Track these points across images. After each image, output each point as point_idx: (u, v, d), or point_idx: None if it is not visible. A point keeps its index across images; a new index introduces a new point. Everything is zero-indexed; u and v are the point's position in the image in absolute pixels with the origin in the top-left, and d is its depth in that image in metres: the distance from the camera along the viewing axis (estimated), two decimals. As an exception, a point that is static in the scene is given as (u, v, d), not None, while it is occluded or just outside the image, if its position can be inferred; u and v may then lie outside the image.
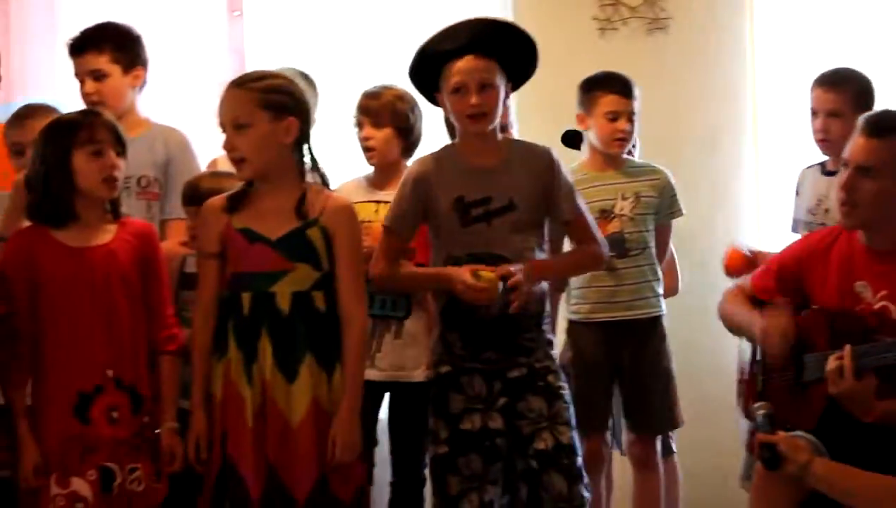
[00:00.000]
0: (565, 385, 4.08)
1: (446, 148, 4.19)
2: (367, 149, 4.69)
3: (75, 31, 4.71)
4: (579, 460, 4.02)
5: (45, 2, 5.50)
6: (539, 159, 4.11)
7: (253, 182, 3.87)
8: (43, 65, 5.30)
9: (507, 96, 4.10)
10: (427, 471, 4.33)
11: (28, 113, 4.43)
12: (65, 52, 4.71)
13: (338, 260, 3.84)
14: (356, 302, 3.84)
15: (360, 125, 4.68)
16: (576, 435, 4.05)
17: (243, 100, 3.81)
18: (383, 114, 4.63)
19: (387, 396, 4.64)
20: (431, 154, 4.17)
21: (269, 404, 3.77)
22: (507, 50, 4.04)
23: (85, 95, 4.62)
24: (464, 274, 3.93)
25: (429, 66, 4.05)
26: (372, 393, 4.30)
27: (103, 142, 3.85)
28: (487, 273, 3.90)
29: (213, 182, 4.26)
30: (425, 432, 4.14)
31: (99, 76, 4.62)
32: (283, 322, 3.79)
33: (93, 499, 3.77)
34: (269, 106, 3.80)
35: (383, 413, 4.65)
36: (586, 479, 4.01)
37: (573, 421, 4.05)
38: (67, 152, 3.84)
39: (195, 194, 4.23)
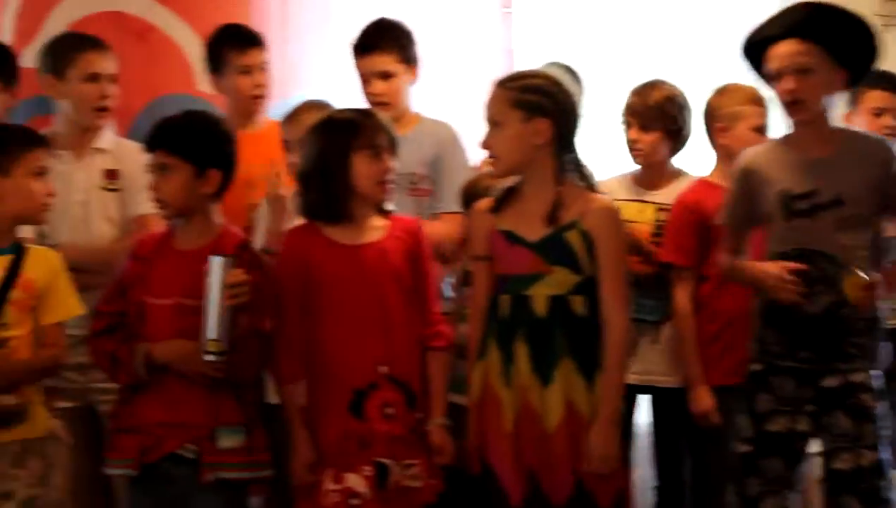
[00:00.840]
0: (877, 404, 3.96)
1: (780, 138, 4.13)
2: (633, 150, 4.67)
3: (349, 28, 4.83)
4: (885, 485, 3.91)
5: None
6: (874, 151, 4.01)
7: (514, 185, 3.88)
8: (317, 61, 5.39)
9: (842, 87, 4.01)
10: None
11: (301, 110, 4.52)
12: (337, 47, 4.81)
13: (599, 263, 3.80)
14: (617, 308, 3.80)
15: (627, 125, 4.66)
16: (887, 458, 3.93)
17: (500, 99, 3.83)
18: (652, 117, 4.60)
19: (645, 398, 4.61)
20: (763, 144, 4.12)
21: (525, 408, 3.77)
22: (839, 37, 3.94)
23: (371, 95, 4.70)
24: (773, 268, 3.88)
25: (755, 53, 3.99)
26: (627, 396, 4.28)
27: (381, 147, 3.91)
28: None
29: (492, 182, 4.29)
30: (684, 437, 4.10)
31: (386, 76, 4.70)
32: (539, 325, 3.79)
33: (368, 494, 3.82)
34: (522, 105, 3.79)
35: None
36: None
37: (883, 443, 3.93)
38: (347, 153, 3.90)
39: (474, 195, 4.25)
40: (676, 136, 4.62)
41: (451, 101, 5.29)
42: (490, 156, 3.91)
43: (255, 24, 5.20)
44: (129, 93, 4.83)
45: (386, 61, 4.69)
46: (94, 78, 4.58)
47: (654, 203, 4.64)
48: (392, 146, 3.94)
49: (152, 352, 3.81)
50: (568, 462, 3.74)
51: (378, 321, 3.89)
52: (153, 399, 3.84)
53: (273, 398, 4.14)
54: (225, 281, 3.74)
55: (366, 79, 4.73)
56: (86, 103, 4.59)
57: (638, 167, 4.71)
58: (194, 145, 3.92)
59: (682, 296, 4.52)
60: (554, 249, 3.79)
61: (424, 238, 4.04)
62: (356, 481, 3.83)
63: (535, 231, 3.80)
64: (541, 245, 3.79)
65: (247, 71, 4.86)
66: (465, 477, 3.92)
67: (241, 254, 3.86)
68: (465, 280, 4.21)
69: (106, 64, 4.61)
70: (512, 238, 3.82)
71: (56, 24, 5.14)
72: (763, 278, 3.97)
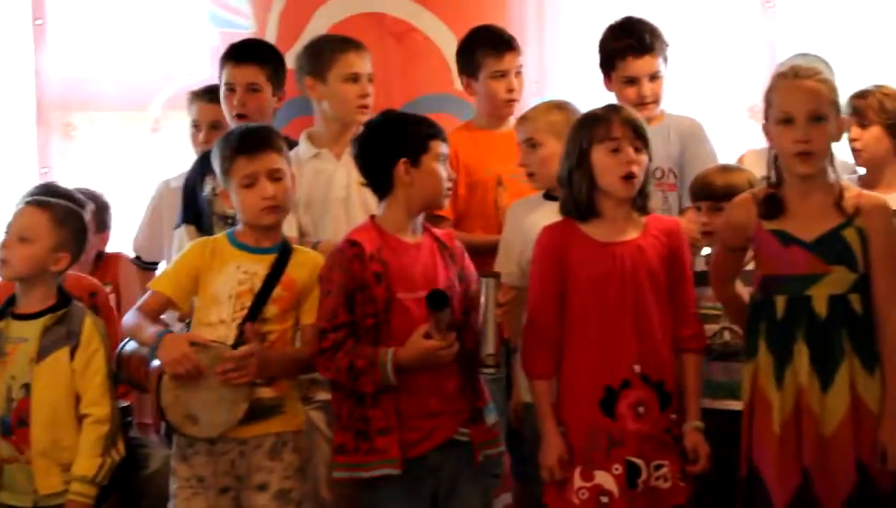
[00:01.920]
0: None
1: None
2: (854, 150, 4.58)
3: (603, 28, 4.85)
4: None
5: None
6: None
7: (780, 182, 3.82)
8: (571, 61, 5.40)
9: None
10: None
11: (535, 110, 4.53)
12: (590, 48, 4.84)
13: (873, 260, 3.75)
14: (892, 304, 3.74)
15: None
16: None
17: (822, 93, 3.78)
18: (869, 113, 4.53)
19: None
20: None
21: (804, 410, 3.72)
22: None
23: (641, 98, 4.74)
24: None
25: None
26: None
27: (621, 139, 3.88)
28: None
29: (725, 177, 4.26)
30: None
31: (654, 78, 4.76)
32: (820, 326, 3.74)
33: (618, 493, 3.81)
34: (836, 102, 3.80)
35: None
36: None
37: None
38: (587, 147, 3.90)
39: (706, 189, 4.24)
40: None
41: (712, 96, 5.22)
42: (806, 152, 3.79)
43: (512, 25, 5.24)
44: (388, 93, 4.92)
45: (655, 63, 4.75)
46: (355, 78, 4.69)
47: None
48: (637, 139, 3.90)
49: (400, 357, 3.85)
50: (849, 465, 3.70)
51: (632, 319, 3.87)
52: (409, 394, 3.88)
53: (525, 396, 4.17)
54: (495, 300, 3.89)
55: (634, 80, 4.76)
56: (347, 102, 4.70)
57: (863, 171, 4.64)
58: None
59: None
60: (833, 248, 3.75)
61: (684, 239, 4.00)
62: (606, 479, 3.82)
63: (809, 231, 3.76)
64: (818, 244, 3.75)
65: (501, 75, 4.90)
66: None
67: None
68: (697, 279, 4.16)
69: (364, 63, 4.71)
70: (785, 238, 3.77)
71: (319, 26, 5.26)
72: None
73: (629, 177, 3.87)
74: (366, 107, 4.70)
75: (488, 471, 4.07)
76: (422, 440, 3.89)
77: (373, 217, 4.03)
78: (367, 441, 3.88)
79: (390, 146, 3.96)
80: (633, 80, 4.76)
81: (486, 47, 4.91)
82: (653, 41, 4.74)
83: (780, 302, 3.77)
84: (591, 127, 3.91)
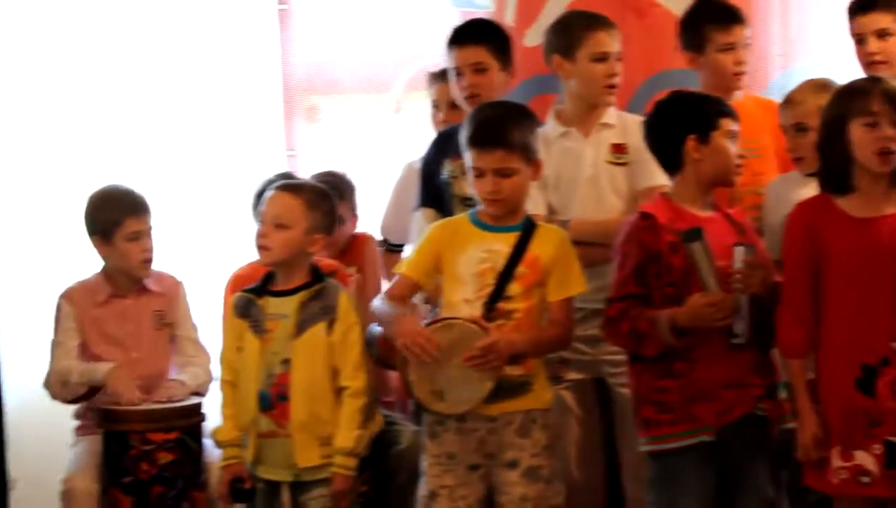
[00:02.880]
0: None
1: None
2: None
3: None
4: None
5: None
6: None
7: None
8: (819, 31, 5.31)
9: None
10: None
11: (798, 91, 4.50)
12: (838, 17, 4.77)
13: None
14: None
15: None
16: None
17: None
18: None
19: None
20: None
21: None
22: None
23: (866, 55, 4.71)
24: None
25: None
26: None
27: (878, 114, 3.83)
28: None
29: None
30: None
31: (884, 35, 4.71)
32: None
33: (877, 473, 3.78)
34: None
35: None
36: None
37: None
38: (843, 121, 3.86)
39: None
40: None
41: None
42: None
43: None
44: (629, 68, 4.90)
45: (883, 19, 4.68)
46: (604, 57, 4.69)
47: None
48: None
49: (677, 319, 3.90)
50: None
51: (890, 295, 3.82)
52: (704, 364, 3.94)
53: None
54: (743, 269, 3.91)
55: (863, 39, 4.72)
56: (595, 82, 4.70)
57: None
58: None
59: None
60: None
61: None
62: (866, 459, 3.78)
63: None
64: None
65: (729, 48, 4.86)
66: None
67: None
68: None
69: (613, 42, 4.72)
70: None
71: (559, 3, 5.26)
72: None
73: (885, 152, 3.81)
74: (613, 86, 4.71)
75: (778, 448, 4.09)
76: (724, 411, 3.95)
77: (664, 193, 4.11)
78: (669, 412, 3.96)
79: (680, 123, 4.07)
80: (860, 38, 4.72)
81: (712, 20, 4.87)
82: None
83: None
84: (849, 100, 3.88)
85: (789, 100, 4.50)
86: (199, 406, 4.64)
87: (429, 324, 4.05)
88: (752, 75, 4.98)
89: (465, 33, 4.84)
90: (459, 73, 4.77)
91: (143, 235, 4.84)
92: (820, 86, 4.42)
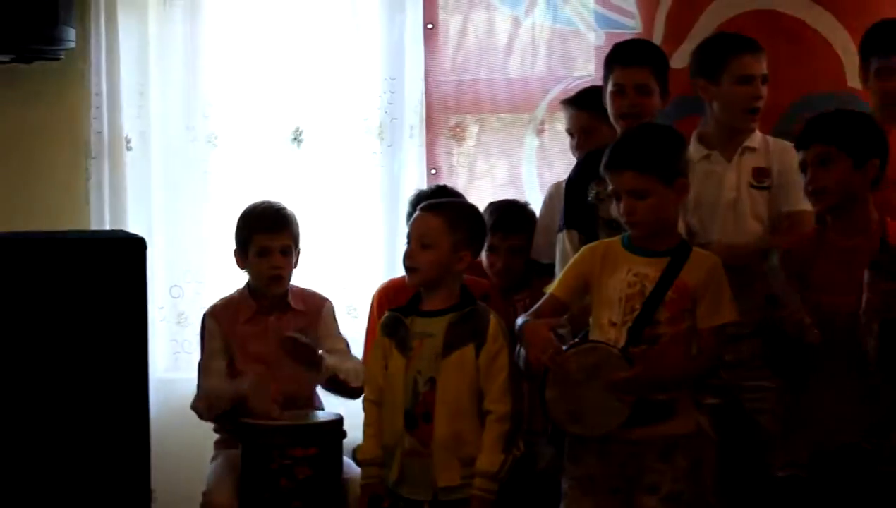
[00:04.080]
0: None
1: None
2: None
3: None
4: None
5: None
6: None
7: None
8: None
9: None
10: None
11: None
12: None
13: None
14: None
15: None
16: None
17: None
18: None
19: None
20: None
21: None
22: None
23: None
24: None
25: None
26: None
27: None
28: None
29: None
30: None
31: None
32: None
33: None
34: None
35: None
36: None
37: None
38: None
39: None
40: None
41: None
42: None
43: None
44: (776, 91, 4.91)
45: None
46: (748, 80, 4.71)
47: None
48: None
49: None
50: None
51: None
52: None
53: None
54: None
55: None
56: (737, 105, 4.73)
57: None
58: (853, 137, 4.03)
59: None
60: None
61: None
62: None
63: None
64: None
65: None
66: None
67: None
68: None
69: (759, 65, 4.73)
70: None
71: (707, 25, 5.30)
72: None
73: None
74: (755, 110, 4.73)
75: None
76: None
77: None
78: None
79: None
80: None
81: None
82: None
83: None
84: None
85: None
86: (339, 422, 4.71)
87: (572, 345, 4.10)
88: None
89: (632, 53, 4.89)
90: (622, 91, 4.79)
91: (272, 251, 4.90)
92: None
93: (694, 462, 4.14)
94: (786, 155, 4.45)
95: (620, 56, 4.87)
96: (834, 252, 4.07)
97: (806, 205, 4.33)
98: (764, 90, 4.75)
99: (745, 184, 4.67)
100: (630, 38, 5.26)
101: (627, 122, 4.69)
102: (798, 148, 4.17)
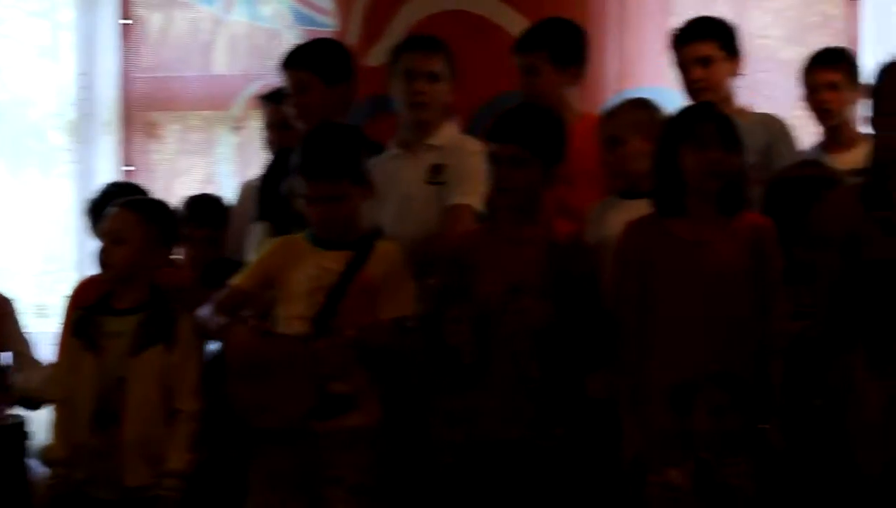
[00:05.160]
0: None
1: None
2: None
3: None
4: None
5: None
6: None
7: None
8: (654, 55, 5.49)
9: None
10: None
11: (620, 108, 4.64)
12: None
13: None
14: None
15: None
16: None
17: None
18: None
19: None
20: None
21: None
22: None
23: (691, 82, 4.93)
24: None
25: None
26: None
27: (709, 138, 4.00)
28: None
29: (807, 171, 4.41)
30: None
31: (706, 62, 4.92)
32: None
33: (688, 489, 3.90)
34: None
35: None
36: None
37: None
38: (674, 145, 4.04)
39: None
40: None
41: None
42: None
43: (593, 17, 5.35)
44: (469, 90, 5.03)
45: (705, 48, 4.92)
46: (411, 75, 4.80)
47: None
48: (727, 139, 4.03)
49: None
50: None
51: (712, 317, 3.97)
52: None
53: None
54: None
55: (685, 66, 4.96)
56: (402, 100, 4.84)
57: None
58: (544, 140, 4.22)
59: None
60: None
61: (773, 235, 4.09)
62: (676, 475, 3.92)
63: None
64: None
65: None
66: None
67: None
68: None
69: (426, 63, 4.82)
70: (890, 226, 3.86)
71: (401, 25, 5.41)
72: None
73: (715, 176, 4.00)
74: (417, 104, 4.81)
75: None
76: None
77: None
78: None
79: None
80: (683, 66, 5.00)
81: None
82: (700, 29, 4.97)
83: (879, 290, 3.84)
84: (680, 125, 4.08)
85: (606, 115, 4.65)
86: (21, 424, 4.66)
87: (262, 338, 4.16)
88: (586, 97, 5.12)
89: (294, 57, 4.96)
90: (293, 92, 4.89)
91: None
92: (636, 103, 4.60)
93: (379, 453, 4.21)
94: (462, 151, 4.57)
95: (288, 60, 4.96)
96: (504, 243, 4.22)
97: (464, 199, 4.49)
98: (428, 86, 4.83)
99: (422, 180, 4.78)
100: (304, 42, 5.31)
101: (305, 122, 4.76)
102: (489, 140, 4.28)
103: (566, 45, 5.00)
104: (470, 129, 5.06)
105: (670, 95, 4.95)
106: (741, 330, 3.99)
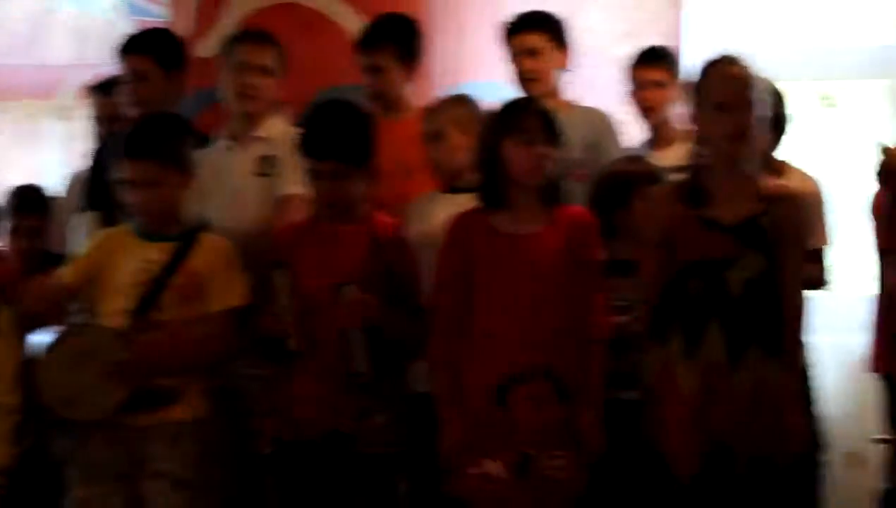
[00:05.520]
0: None
1: None
2: None
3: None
4: None
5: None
6: None
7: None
8: (485, 50, 5.54)
9: None
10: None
11: (440, 103, 4.72)
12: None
13: (781, 248, 3.94)
14: (798, 289, 3.96)
15: None
16: None
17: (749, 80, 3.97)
18: None
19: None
20: None
21: (713, 389, 3.92)
22: None
23: (520, 73, 5.04)
24: None
25: None
26: None
27: (531, 131, 4.04)
28: None
29: (630, 167, 4.54)
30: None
31: (534, 53, 5.04)
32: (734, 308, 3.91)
33: (508, 481, 3.95)
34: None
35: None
36: None
37: None
38: (498, 139, 4.07)
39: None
40: None
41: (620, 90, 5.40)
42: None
43: (424, 13, 5.38)
44: (298, 83, 5.03)
45: (534, 39, 5.04)
46: (239, 67, 4.81)
47: None
48: (549, 132, 4.07)
49: None
50: (756, 438, 3.88)
51: (532, 310, 4.01)
52: None
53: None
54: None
55: (515, 57, 5.07)
56: (228, 91, 4.85)
57: None
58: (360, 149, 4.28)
59: None
60: (750, 234, 3.91)
61: (593, 229, 4.15)
62: (496, 467, 3.96)
63: (731, 215, 3.91)
64: (737, 229, 3.90)
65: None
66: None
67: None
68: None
69: (254, 55, 4.83)
70: (708, 223, 3.92)
71: (233, 17, 5.41)
72: None
73: (538, 169, 4.04)
74: (241, 94, 4.82)
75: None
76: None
77: None
78: None
79: None
80: (514, 57, 5.12)
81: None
82: (529, 20, 5.08)
83: (696, 285, 3.92)
84: (504, 119, 4.10)
85: (428, 111, 4.71)
86: None
87: (64, 330, 4.12)
88: (418, 92, 5.16)
89: (134, 43, 4.94)
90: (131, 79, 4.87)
91: None
92: (457, 99, 4.68)
93: (204, 447, 4.20)
94: (291, 142, 4.58)
95: (125, 46, 4.94)
96: (327, 238, 4.24)
97: (293, 189, 4.51)
98: (258, 79, 4.82)
99: (250, 172, 4.79)
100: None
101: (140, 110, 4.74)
102: (305, 155, 4.31)
103: (410, 42, 5.06)
104: (298, 123, 5.04)
105: (501, 89, 4.99)
106: (562, 323, 4.03)
